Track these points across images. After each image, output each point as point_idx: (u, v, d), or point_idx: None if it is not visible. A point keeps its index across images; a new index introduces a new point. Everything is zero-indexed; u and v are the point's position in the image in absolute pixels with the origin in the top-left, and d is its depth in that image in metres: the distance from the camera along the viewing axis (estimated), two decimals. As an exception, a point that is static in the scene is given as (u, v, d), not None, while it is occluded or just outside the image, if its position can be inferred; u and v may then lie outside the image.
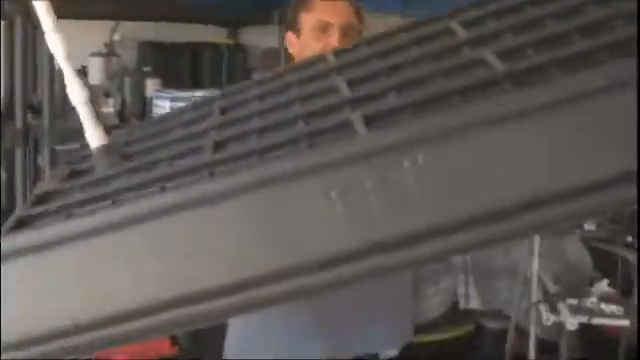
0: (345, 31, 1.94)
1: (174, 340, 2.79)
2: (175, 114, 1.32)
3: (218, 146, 0.99)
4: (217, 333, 2.56)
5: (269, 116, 1.06)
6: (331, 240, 0.78)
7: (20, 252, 0.86)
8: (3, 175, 2.76)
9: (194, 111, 1.26)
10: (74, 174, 1.12)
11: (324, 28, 1.94)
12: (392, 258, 0.78)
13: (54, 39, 1.01)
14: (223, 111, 1.19)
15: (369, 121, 0.84)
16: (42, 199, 1.04)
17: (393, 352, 2.85)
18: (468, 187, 0.76)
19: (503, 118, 0.75)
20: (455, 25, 1.07)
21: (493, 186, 0.76)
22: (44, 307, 0.85)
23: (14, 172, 2.64)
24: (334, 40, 1.91)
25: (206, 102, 1.29)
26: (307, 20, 1.96)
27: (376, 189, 0.76)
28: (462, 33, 1.03)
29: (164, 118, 1.32)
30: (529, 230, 0.78)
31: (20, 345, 0.87)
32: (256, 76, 1.97)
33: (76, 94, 1.04)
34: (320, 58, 1.28)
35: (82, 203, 0.94)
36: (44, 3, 1.00)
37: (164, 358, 2.77)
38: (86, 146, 1.18)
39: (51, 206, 0.97)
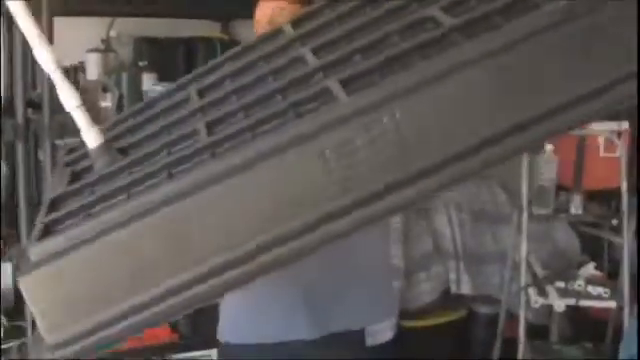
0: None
1: (173, 327, 2.85)
2: (153, 102, 1.36)
3: (208, 128, 1.07)
4: (214, 320, 2.63)
5: (247, 94, 1.13)
6: (329, 196, 0.90)
7: (56, 255, 0.93)
8: (5, 169, 2.82)
9: (171, 97, 1.31)
10: (76, 175, 1.18)
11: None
12: (380, 205, 0.91)
13: (39, 47, 1.06)
14: (200, 94, 1.25)
15: (345, 85, 0.94)
16: (55, 204, 1.10)
17: (386, 336, 2.92)
18: (442, 130, 0.89)
19: (460, 65, 0.88)
20: None
21: (465, 124, 0.90)
22: (87, 301, 0.94)
23: (16, 166, 2.70)
24: None
25: (180, 87, 1.33)
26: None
27: (365, 145, 0.88)
28: None
29: (144, 108, 1.36)
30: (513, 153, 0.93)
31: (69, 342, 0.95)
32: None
33: (67, 99, 1.08)
34: (279, 30, 1.33)
35: (97, 202, 1.01)
36: (20, 4, 1.04)
37: (164, 344, 2.83)
38: (79, 146, 1.23)
39: (68, 209, 1.03)
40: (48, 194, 1.17)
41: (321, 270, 1.82)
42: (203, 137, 1.03)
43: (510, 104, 0.90)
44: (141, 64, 2.92)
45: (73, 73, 2.90)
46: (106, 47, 3.00)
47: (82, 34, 2.95)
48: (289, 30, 1.31)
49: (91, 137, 1.09)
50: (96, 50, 2.96)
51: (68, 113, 2.50)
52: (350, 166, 0.88)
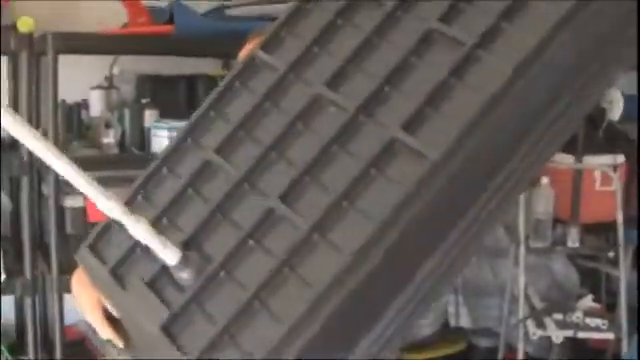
0: None
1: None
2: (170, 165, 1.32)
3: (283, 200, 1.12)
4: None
5: (288, 150, 1.18)
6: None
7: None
8: (9, 203, 2.86)
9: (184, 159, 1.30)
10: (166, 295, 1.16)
11: None
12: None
13: (100, 199, 1.05)
14: (225, 156, 1.24)
15: (407, 129, 1.09)
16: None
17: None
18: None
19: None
20: None
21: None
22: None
23: (20, 200, 2.75)
24: None
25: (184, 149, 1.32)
26: None
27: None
28: None
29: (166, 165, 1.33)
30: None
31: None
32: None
33: (135, 229, 1.06)
34: (252, 60, 1.31)
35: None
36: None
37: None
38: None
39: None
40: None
41: None
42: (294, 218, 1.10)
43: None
44: (143, 101, 2.96)
45: (77, 110, 2.95)
46: (109, 84, 3.05)
47: (86, 71, 3.00)
48: (265, 57, 1.29)
49: (169, 255, 1.10)
50: (99, 87, 3.02)
51: (70, 149, 2.50)
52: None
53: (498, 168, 1.11)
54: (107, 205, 1.04)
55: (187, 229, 1.18)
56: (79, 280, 1.54)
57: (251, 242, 1.12)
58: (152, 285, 1.16)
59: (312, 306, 1.01)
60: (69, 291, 2.59)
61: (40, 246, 2.86)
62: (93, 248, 1.31)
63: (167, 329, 1.10)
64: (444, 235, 1.09)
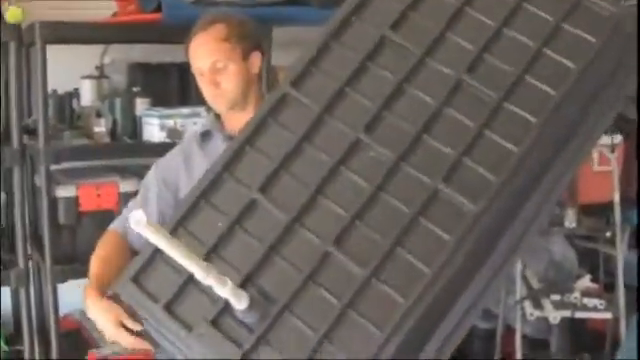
0: (214, 71, 1.79)
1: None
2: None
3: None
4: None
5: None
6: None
7: None
8: (2, 195, 2.86)
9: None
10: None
11: (201, 73, 1.84)
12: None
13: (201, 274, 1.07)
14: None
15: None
16: None
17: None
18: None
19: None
20: None
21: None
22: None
23: (12, 192, 2.73)
24: (207, 88, 1.81)
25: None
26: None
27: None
28: None
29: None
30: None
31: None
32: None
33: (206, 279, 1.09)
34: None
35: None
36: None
37: None
38: None
39: None
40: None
41: None
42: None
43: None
44: (135, 89, 2.95)
45: (68, 99, 2.94)
46: (100, 73, 3.04)
47: (76, 61, 2.99)
48: (297, 95, 1.34)
49: (240, 300, 1.12)
50: (90, 77, 3.00)
51: (62, 138, 2.50)
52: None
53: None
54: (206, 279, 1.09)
55: (242, 268, 1.20)
56: (95, 303, 1.60)
57: (311, 283, 1.15)
58: (216, 324, 1.18)
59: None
60: (63, 281, 2.61)
61: (33, 237, 2.86)
62: (136, 281, 1.31)
63: None
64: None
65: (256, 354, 1.14)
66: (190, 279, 1.19)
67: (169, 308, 1.24)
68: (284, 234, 1.21)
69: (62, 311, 2.77)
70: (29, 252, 2.81)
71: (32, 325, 2.85)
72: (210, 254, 1.24)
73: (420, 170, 1.21)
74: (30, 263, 2.86)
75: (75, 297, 2.93)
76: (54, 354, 2.69)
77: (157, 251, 1.17)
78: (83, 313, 3.01)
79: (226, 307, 1.18)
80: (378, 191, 1.21)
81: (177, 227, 1.29)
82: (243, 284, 1.18)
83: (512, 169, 1.16)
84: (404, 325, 1.10)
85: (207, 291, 1.16)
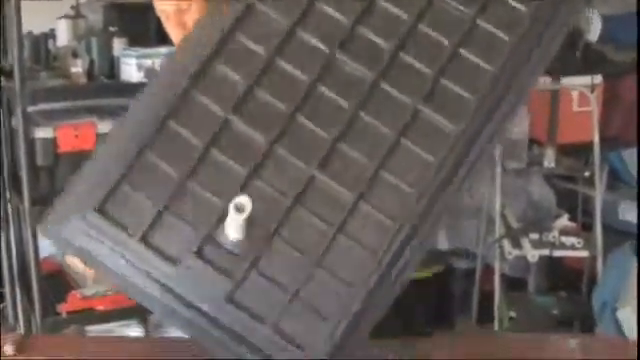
0: (179, 13, 1.73)
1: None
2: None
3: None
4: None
5: None
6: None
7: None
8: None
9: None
10: None
11: (167, 17, 1.75)
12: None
13: None
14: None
15: None
16: None
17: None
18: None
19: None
20: None
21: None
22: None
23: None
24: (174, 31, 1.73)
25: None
26: None
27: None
28: None
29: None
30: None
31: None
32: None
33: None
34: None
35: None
36: None
37: (140, 307, 2.84)
38: None
39: None
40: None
41: None
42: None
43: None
44: (111, 29, 2.92)
45: (44, 40, 2.91)
46: (76, 13, 3.00)
47: (52, 1, 2.95)
48: None
49: (236, 228, 1.05)
50: (66, 17, 2.97)
51: (38, 80, 2.48)
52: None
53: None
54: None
55: (223, 194, 1.14)
56: None
57: (298, 206, 1.13)
58: (201, 255, 1.12)
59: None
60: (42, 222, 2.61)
61: (12, 179, 2.85)
62: (103, 212, 1.20)
63: (232, 299, 1.09)
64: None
65: (248, 283, 1.11)
66: (167, 206, 1.14)
67: (146, 240, 1.17)
68: (264, 158, 1.18)
69: (42, 254, 2.77)
70: (8, 195, 2.81)
71: (12, 268, 2.86)
72: (185, 180, 1.18)
73: (400, 89, 1.20)
74: (9, 206, 2.86)
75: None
76: (35, 297, 2.69)
77: (124, 176, 1.11)
78: (64, 255, 3.04)
79: (209, 236, 1.15)
80: (359, 111, 1.19)
81: (143, 151, 1.18)
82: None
83: (487, 87, 1.15)
84: (392, 246, 1.10)
85: (186, 218, 1.13)
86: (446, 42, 1.17)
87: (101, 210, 1.08)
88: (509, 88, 1.22)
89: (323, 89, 1.19)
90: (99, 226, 1.08)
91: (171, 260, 1.12)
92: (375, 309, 1.11)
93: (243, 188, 1.08)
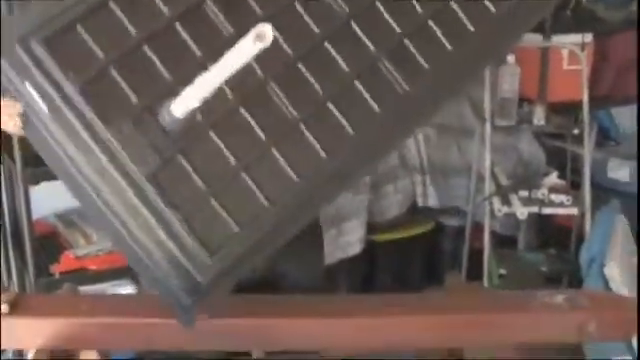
0: None
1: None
2: None
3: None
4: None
5: None
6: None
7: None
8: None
9: None
10: None
11: None
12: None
13: None
14: None
15: None
16: None
17: (355, 250, 2.99)
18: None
19: None
20: None
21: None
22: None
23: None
24: None
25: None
26: None
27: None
28: None
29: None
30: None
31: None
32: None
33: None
34: None
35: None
36: None
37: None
38: None
39: None
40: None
41: None
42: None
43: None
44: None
45: None
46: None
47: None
48: None
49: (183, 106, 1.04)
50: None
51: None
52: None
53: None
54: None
55: (180, 72, 1.09)
56: None
57: (241, 110, 1.13)
58: (138, 124, 1.06)
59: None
60: (35, 183, 2.61)
61: (2, 141, 2.83)
62: (48, 44, 1.05)
63: (155, 178, 1.07)
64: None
65: (173, 167, 1.08)
66: (116, 61, 1.09)
67: (85, 90, 1.06)
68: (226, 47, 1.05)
69: (35, 216, 2.77)
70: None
71: (5, 230, 2.86)
72: (142, 42, 1.10)
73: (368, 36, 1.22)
74: (1, 168, 2.85)
75: (49, 200, 2.96)
76: (29, 257, 2.70)
77: (82, 18, 1.05)
78: (58, 216, 3.05)
79: (150, 108, 1.09)
80: (323, 42, 1.20)
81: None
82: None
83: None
84: (322, 174, 1.12)
85: (133, 82, 1.07)
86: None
87: (48, 43, 1.03)
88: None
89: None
90: (42, 59, 1.03)
91: (106, 120, 1.05)
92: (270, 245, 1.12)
93: (197, 74, 1.02)
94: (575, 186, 3.33)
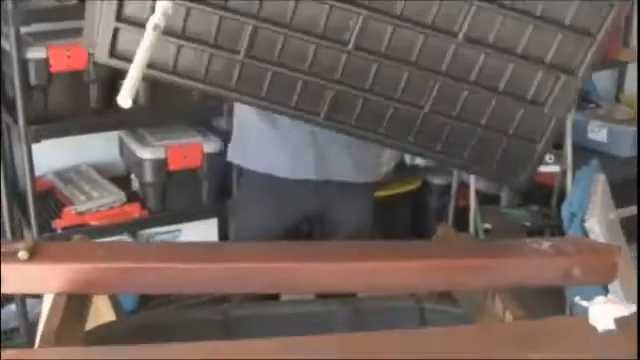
0: None
1: (143, 203, 2.96)
2: None
3: None
4: (182, 197, 2.75)
5: None
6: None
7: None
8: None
9: None
10: None
11: None
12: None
13: None
14: None
15: None
16: None
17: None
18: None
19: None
20: None
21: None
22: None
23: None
24: None
25: None
26: None
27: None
28: None
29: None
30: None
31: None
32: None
33: None
34: None
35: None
36: None
37: (134, 220, 2.95)
38: None
39: None
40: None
41: None
42: None
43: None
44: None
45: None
46: None
47: None
48: None
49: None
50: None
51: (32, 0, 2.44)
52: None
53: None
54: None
55: None
56: None
57: None
58: None
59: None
60: (37, 140, 2.67)
61: (4, 100, 2.89)
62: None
63: None
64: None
65: None
66: None
67: None
68: None
69: (35, 173, 2.82)
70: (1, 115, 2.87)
71: (7, 187, 2.93)
72: None
73: None
74: (2, 125, 2.91)
75: (47, 159, 3.03)
76: (32, 213, 2.77)
77: None
78: (56, 174, 3.11)
79: None
80: None
81: None
82: None
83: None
84: None
85: None
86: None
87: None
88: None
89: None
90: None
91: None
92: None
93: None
94: (557, 147, 3.43)
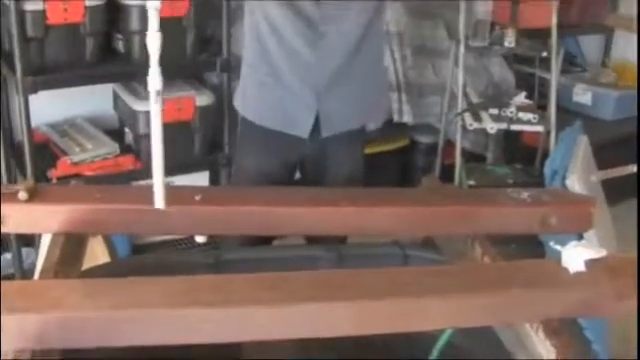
0: None
1: (137, 155, 3.02)
2: None
3: None
4: (173, 148, 2.80)
5: None
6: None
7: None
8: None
9: None
10: None
11: None
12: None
13: None
14: None
15: None
16: None
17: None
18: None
19: None
20: None
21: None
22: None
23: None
24: None
25: None
26: None
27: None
28: None
29: None
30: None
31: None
32: None
33: None
34: None
35: None
36: None
37: (127, 172, 2.99)
38: None
39: None
40: None
41: (333, 76, 2.13)
42: None
43: None
44: None
45: None
46: None
47: None
48: None
49: None
50: None
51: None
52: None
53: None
54: None
55: None
56: None
57: None
58: None
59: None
60: (34, 92, 2.72)
61: (2, 51, 2.92)
62: None
63: None
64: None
65: None
66: None
67: None
68: None
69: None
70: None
71: (5, 138, 2.98)
72: None
73: None
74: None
75: (42, 112, 3.07)
76: (28, 162, 2.82)
77: None
78: (51, 126, 3.16)
79: None
80: None
81: None
82: None
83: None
84: None
85: None
86: None
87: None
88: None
89: None
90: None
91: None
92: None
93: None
94: (542, 108, 3.50)
